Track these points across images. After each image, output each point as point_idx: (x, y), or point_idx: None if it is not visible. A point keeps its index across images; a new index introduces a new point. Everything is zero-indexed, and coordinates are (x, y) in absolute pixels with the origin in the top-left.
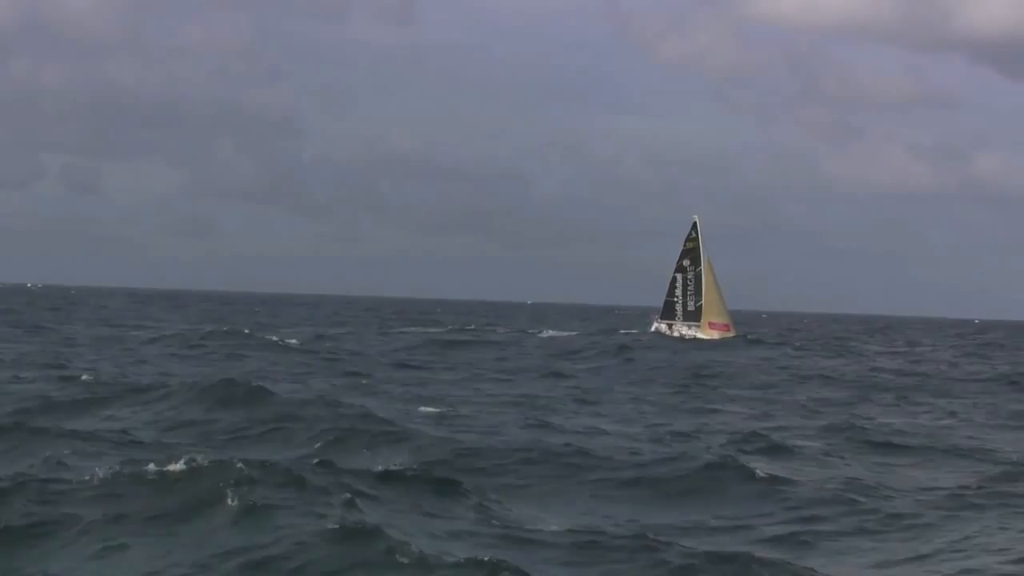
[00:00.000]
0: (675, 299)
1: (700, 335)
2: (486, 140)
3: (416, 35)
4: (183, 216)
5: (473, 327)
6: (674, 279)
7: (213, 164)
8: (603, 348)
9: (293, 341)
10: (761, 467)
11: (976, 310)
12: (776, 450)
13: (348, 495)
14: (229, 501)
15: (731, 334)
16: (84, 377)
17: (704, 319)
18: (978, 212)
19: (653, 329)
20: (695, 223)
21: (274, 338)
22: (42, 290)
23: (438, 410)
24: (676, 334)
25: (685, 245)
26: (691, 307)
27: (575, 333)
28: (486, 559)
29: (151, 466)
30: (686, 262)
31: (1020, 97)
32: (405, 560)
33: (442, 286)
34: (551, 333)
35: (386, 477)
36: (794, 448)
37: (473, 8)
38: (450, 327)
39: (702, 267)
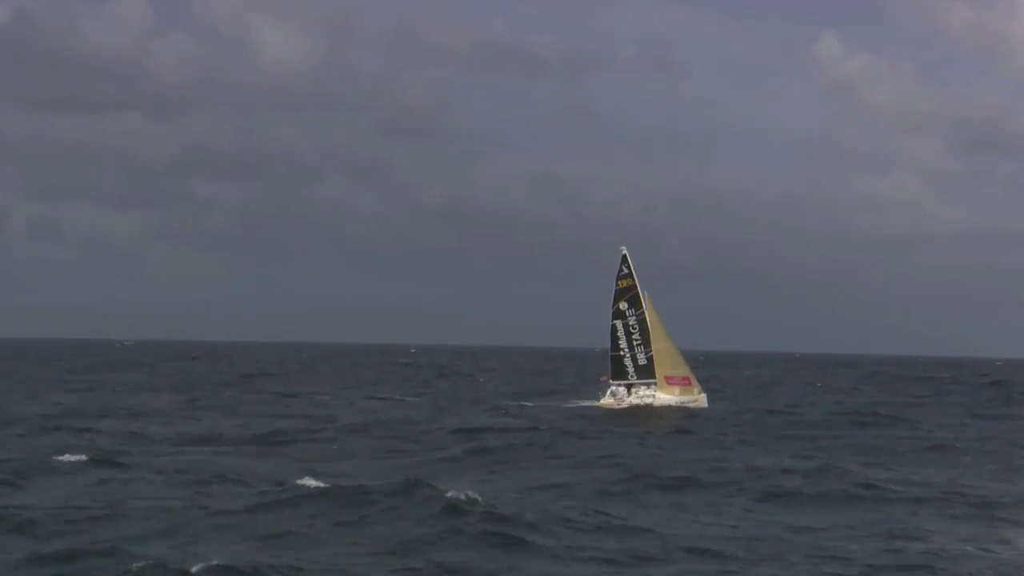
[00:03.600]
0: (622, 353)
1: (659, 395)
2: None
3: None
4: None
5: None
6: (614, 329)
7: None
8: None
9: None
10: None
11: None
12: None
13: None
14: None
15: (694, 389)
16: None
17: (659, 373)
18: None
19: (610, 398)
20: (624, 256)
21: None
22: None
23: None
24: (635, 400)
25: (618, 284)
26: (642, 360)
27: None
28: None
29: None
30: (623, 305)
31: None
32: None
33: None
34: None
35: None
36: None
37: None
38: None
39: (644, 308)
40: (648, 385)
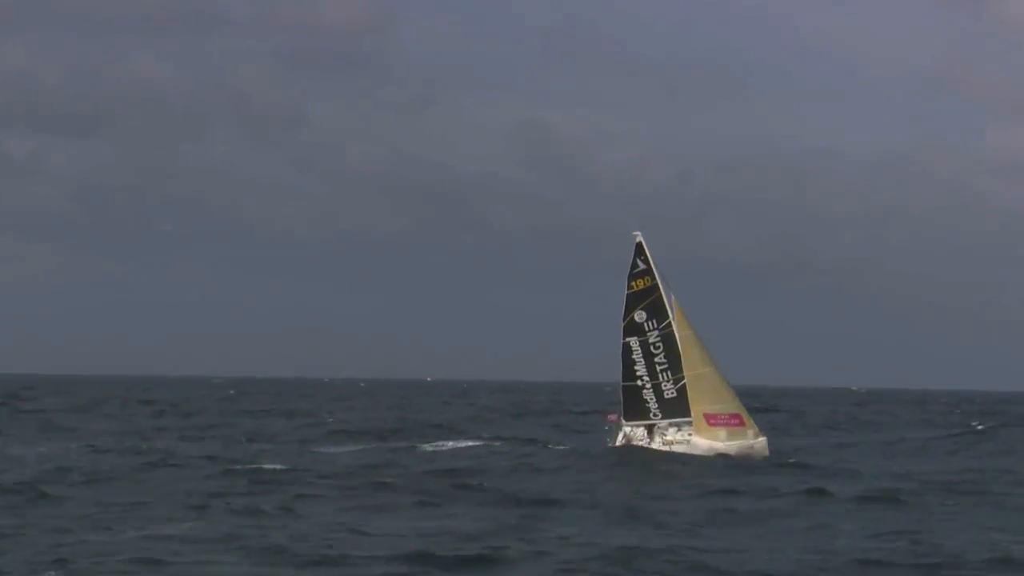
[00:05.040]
0: (640, 383)
1: (696, 440)
2: None
3: None
4: None
5: None
6: (627, 349)
7: None
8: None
9: None
10: None
11: None
12: None
13: None
14: None
15: (748, 431)
16: None
17: (695, 410)
18: None
19: (621, 441)
20: (640, 245)
21: None
22: None
23: None
24: (661, 445)
25: (632, 285)
26: (669, 392)
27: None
28: None
29: None
30: (639, 315)
31: None
32: None
33: None
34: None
35: None
36: None
37: None
38: None
39: (671, 318)
40: (679, 428)
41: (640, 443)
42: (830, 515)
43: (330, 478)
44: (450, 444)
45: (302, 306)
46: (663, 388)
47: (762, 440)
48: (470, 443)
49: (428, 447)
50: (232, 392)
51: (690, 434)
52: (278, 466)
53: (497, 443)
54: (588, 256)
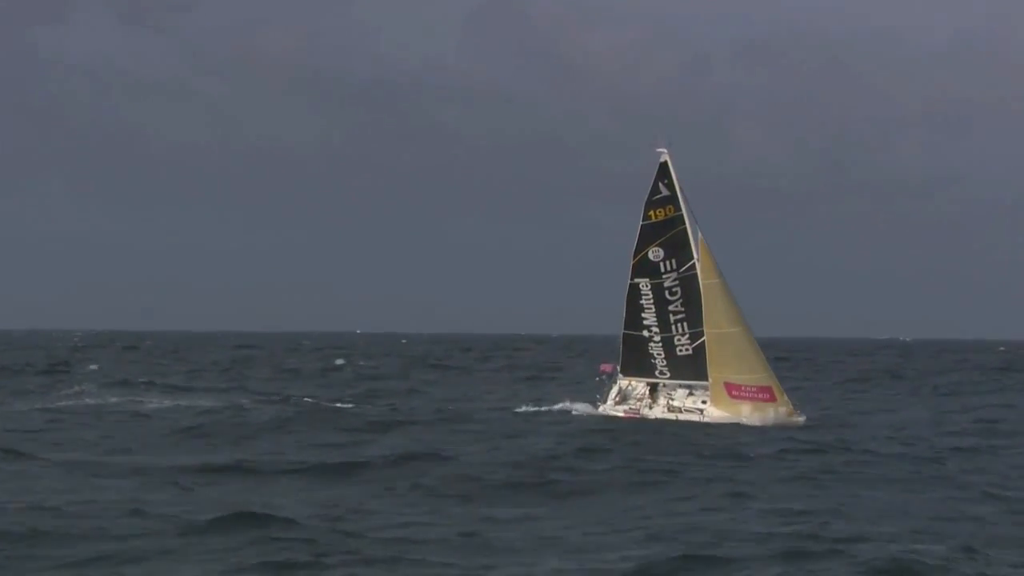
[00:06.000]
0: (646, 332)
1: (712, 411)
2: None
3: None
4: None
5: None
6: (634, 291)
7: None
8: None
9: None
10: None
11: None
12: None
13: None
14: None
15: (779, 406)
16: None
17: (715, 376)
18: None
19: (613, 401)
20: (664, 164)
21: None
22: None
23: None
24: (664, 411)
25: (650, 215)
26: (683, 348)
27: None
28: None
29: None
30: (655, 252)
31: None
32: None
33: None
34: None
35: None
36: None
37: None
38: None
39: (696, 259)
40: (691, 391)
41: (635, 404)
42: None
43: None
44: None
45: (195, 244)
46: (676, 343)
47: (798, 421)
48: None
49: None
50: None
51: (704, 402)
52: None
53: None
54: (571, 175)
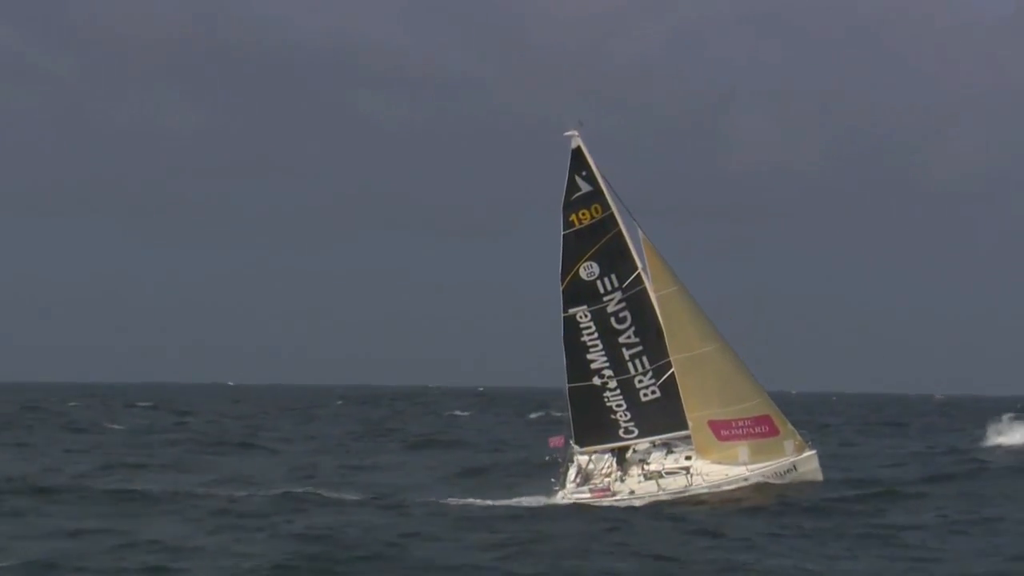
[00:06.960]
0: (597, 379)
1: (700, 466)
2: None
3: None
4: None
5: None
6: (571, 325)
7: None
8: None
9: None
10: None
11: None
12: None
13: None
14: None
15: (784, 443)
16: None
17: (696, 416)
18: None
19: (573, 484)
20: (578, 151)
21: None
22: None
23: None
24: (640, 482)
25: (572, 220)
26: (648, 391)
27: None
28: None
29: None
30: (589, 269)
31: None
32: None
33: None
34: None
35: None
36: None
37: None
38: None
39: (641, 268)
40: (668, 449)
41: (603, 482)
42: None
43: None
44: None
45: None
46: (637, 385)
47: (810, 456)
48: None
49: None
50: None
51: (688, 457)
52: None
53: None
54: (518, 169)
